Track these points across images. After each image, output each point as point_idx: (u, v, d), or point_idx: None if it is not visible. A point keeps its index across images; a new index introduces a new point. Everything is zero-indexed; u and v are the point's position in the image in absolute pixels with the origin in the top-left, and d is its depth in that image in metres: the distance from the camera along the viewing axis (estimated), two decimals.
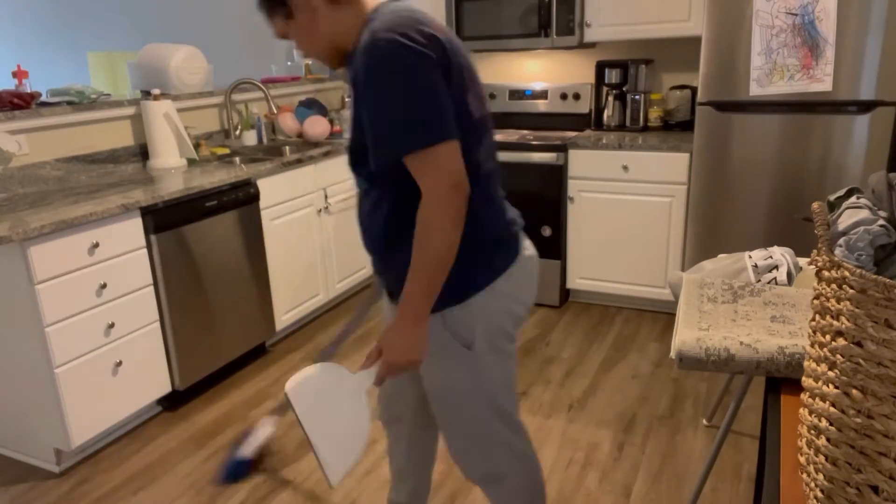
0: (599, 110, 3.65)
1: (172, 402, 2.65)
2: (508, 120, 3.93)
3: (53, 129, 2.70)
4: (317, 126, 3.56)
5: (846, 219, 0.86)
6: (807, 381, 0.86)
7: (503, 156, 3.37)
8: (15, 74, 2.87)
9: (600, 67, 3.57)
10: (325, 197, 3.35)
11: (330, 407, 1.24)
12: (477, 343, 1.29)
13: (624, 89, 3.51)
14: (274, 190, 2.99)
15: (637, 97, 3.45)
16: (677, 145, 3.05)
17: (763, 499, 0.91)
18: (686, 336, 1.34)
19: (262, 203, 2.92)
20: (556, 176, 3.31)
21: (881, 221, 0.84)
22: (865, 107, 2.58)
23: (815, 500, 0.82)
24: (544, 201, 3.38)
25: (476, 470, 1.44)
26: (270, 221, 2.99)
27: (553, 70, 3.84)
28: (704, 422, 2.42)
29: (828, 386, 0.80)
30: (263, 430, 2.27)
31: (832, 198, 0.94)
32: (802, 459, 0.87)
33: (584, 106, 3.70)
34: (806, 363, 0.88)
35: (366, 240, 1.33)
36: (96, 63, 5.20)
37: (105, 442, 2.43)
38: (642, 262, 3.28)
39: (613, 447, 2.30)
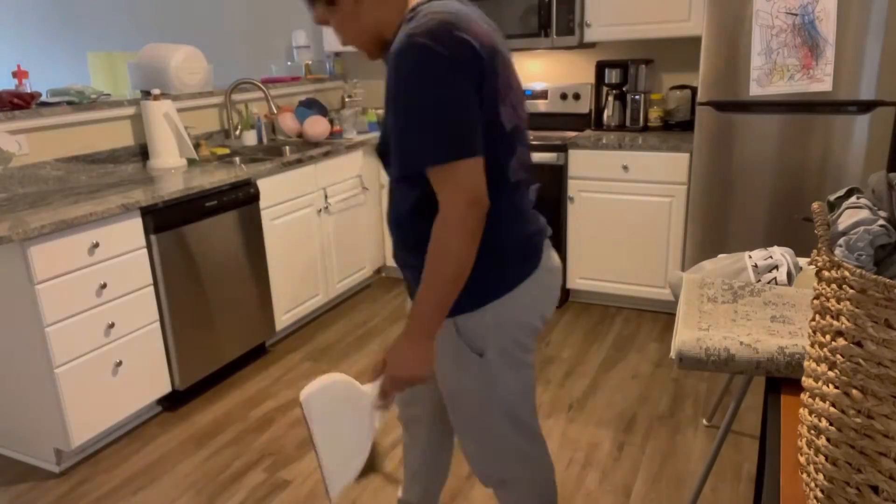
0: (599, 110, 3.65)
1: (172, 402, 2.65)
2: None
3: (53, 129, 2.70)
4: (317, 126, 3.56)
5: (846, 219, 0.86)
6: (807, 381, 0.86)
7: None
8: (15, 74, 2.87)
9: (600, 67, 3.57)
10: (325, 197, 3.35)
11: (339, 420, 1.23)
12: (490, 352, 1.27)
13: (624, 89, 3.51)
14: (274, 190, 2.99)
15: (637, 97, 3.45)
16: (677, 145, 3.05)
17: (763, 499, 0.91)
18: (686, 336, 1.34)
19: (262, 203, 2.92)
20: (556, 176, 3.31)
21: (881, 221, 0.84)
22: (865, 107, 2.58)
23: (815, 500, 0.82)
24: (544, 201, 3.37)
25: (488, 474, 1.43)
26: (270, 221, 2.99)
27: (553, 70, 3.84)
28: (704, 422, 2.42)
29: (828, 386, 0.80)
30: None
31: (832, 198, 0.94)
32: (802, 459, 0.87)
33: (584, 106, 3.70)
34: (806, 363, 0.88)
35: (392, 230, 1.31)
36: (96, 63, 5.20)
37: (105, 442, 2.43)
38: (642, 262, 3.28)
39: (613, 447, 2.30)
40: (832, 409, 0.79)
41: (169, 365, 2.55)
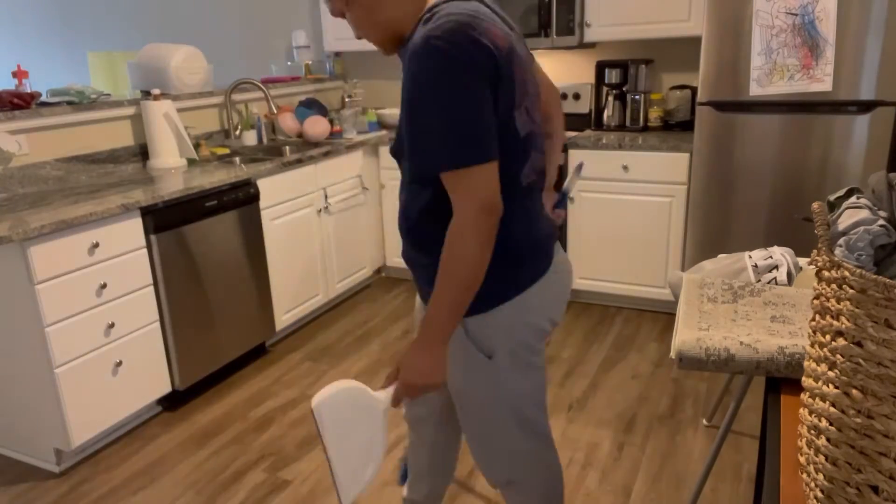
0: (599, 110, 3.65)
1: (172, 402, 2.65)
2: None
3: (53, 129, 2.70)
4: (317, 126, 3.56)
5: (846, 219, 0.86)
6: (807, 381, 0.86)
7: None
8: (15, 74, 2.87)
9: (600, 67, 3.57)
10: (325, 197, 3.35)
11: (352, 427, 1.22)
12: (499, 354, 1.27)
13: (624, 89, 3.51)
14: (274, 190, 2.99)
15: (637, 97, 3.44)
16: (677, 145, 3.05)
17: (763, 499, 0.91)
18: (686, 336, 1.34)
19: (262, 203, 2.92)
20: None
21: (881, 221, 0.84)
22: (865, 107, 2.58)
23: (815, 500, 0.82)
24: None
25: (495, 475, 1.43)
26: (270, 221, 2.99)
27: (553, 70, 3.84)
28: (704, 422, 2.42)
29: (828, 386, 0.80)
30: None
31: (832, 198, 0.94)
32: (802, 459, 0.87)
33: (584, 106, 3.69)
34: (806, 363, 0.88)
35: (402, 229, 1.31)
36: (96, 63, 5.20)
37: (105, 442, 2.43)
38: (642, 262, 3.28)
39: (613, 447, 2.30)
40: (832, 409, 0.79)
41: (169, 365, 2.55)
